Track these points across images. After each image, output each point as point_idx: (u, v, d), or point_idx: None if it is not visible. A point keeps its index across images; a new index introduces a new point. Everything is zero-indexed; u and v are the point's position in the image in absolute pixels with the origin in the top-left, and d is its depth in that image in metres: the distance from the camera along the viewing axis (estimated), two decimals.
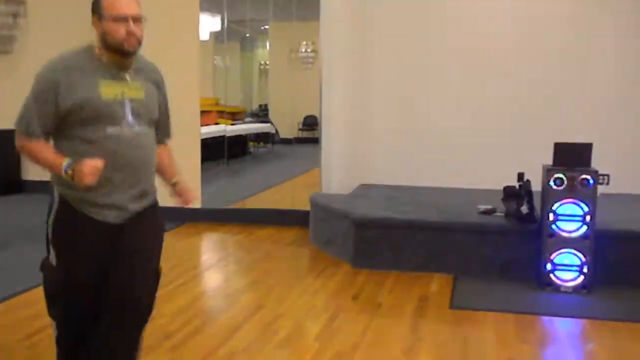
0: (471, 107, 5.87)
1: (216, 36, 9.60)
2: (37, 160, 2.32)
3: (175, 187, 2.62)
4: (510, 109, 5.77)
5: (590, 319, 3.75)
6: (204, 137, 6.49)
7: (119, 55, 2.27)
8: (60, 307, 2.40)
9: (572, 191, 4.09)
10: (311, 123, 8.66)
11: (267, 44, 10.07)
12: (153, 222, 2.51)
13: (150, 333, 3.50)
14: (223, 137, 8.84)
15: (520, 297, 4.10)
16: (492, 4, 5.80)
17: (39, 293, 4.12)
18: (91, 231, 2.31)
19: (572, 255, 4.13)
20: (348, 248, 4.79)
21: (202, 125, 6.40)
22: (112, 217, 2.32)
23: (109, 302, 2.33)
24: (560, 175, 4.10)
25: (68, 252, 2.34)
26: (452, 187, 5.79)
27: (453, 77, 5.90)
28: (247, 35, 10.39)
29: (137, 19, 2.25)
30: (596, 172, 4.07)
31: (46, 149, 2.29)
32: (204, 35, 6.75)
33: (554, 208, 4.13)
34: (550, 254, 4.17)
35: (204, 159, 6.41)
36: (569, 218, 4.12)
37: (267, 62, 9.94)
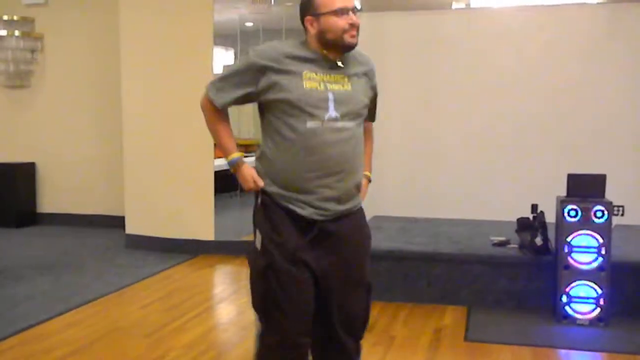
0: (484, 138, 5.87)
1: None
2: (213, 131, 2.38)
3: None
4: (524, 141, 5.77)
5: (607, 352, 3.70)
6: (217, 169, 6.52)
7: (339, 50, 2.25)
8: (263, 294, 2.33)
9: (587, 223, 4.07)
10: None
11: None
12: (359, 228, 2.43)
13: None
14: None
15: (536, 330, 4.05)
16: (504, 37, 5.84)
17: (52, 326, 4.15)
18: (290, 222, 2.27)
19: (588, 288, 4.09)
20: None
21: (215, 158, 6.44)
22: (312, 214, 2.27)
23: (327, 319, 2.36)
24: (574, 207, 4.08)
25: (268, 239, 2.29)
26: (465, 218, 5.76)
27: (466, 109, 5.92)
28: None
29: (355, 11, 2.25)
30: (610, 203, 4.05)
31: (226, 129, 2.36)
32: (218, 68, 6.83)
33: (568, 240, 4.10)
34: (566, 286, 4.12)
35: (217, 191, 6.44)
36: (584, 250, 4.09)
37: None
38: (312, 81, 2.22)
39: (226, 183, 7.55)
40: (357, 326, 2.44)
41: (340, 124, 2.24)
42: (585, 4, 5.86)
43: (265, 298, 2.32)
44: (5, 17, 7.57)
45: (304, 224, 2.28)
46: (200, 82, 6.12)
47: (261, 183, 2.30)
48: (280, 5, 8.22)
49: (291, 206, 2.27)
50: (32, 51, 7.72)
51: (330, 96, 2.23)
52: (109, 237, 6.89)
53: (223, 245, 6.21)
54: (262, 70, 2.23)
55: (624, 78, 5.60)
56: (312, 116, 2.21)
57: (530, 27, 5.80)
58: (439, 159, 5.98)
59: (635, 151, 5.59)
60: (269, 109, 2.28)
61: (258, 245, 2.31)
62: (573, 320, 4.12)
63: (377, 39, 6.06)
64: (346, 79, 2.30)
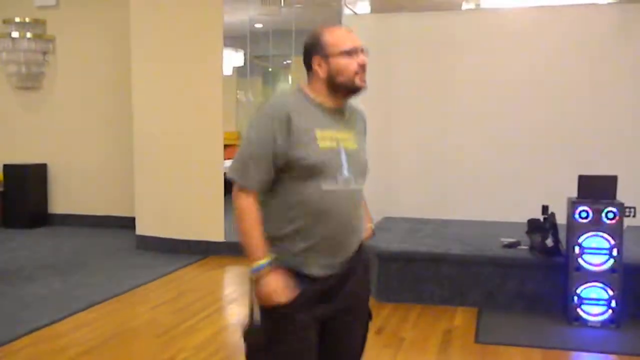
0: (494, 139, 5.85)
1: (239, 71, 9.73)
2: (242, 227, 2.08)
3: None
4: (534, 142, 5.74)
5: (619, 354, 3.68)
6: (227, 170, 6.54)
7: (347, 94, 2.10)
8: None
9: (598, 224, 4.05)
10: None
11: (289, 78, 10.18)
12: (361, 272, 2.24)
13: None
14: None
15: (547, 332, 4.04)
16: (514, 37, 5.82)
17: (63, 326, 4.17)
18: (297, 281, 2.07)
19: (600, 289, 4.07)
20: (371, 281, 4.76)
21: (225, 159, 6.46)
22: (318, 272, 2.09)
23: None
24: (586, 208, 4.06)
25: (273, 311, 2.07)
26: (475, 219, 5.75)
27: (475, 110, 5.90)
28: (270, 69, 10.53)
29: (365, 51, 2.09)
30: (622, 204, 4.03)
31: (257, 227, 2.07)
32: (228, 70, 6.85)
33: (579, 241, 4.08)
34: (577, 288, 4.10)
35: (228, 192, 6.45)
36: (595, 251, 4.07)
37: None
38: (326, 140, 2.06)
39: None
40: None
41: (352, 186, 2.10)
42: (595, 3, 5.83)
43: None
44: (17, 19, 7.62)
45: (308, 281, 2.09)
46: (211, 83, 6.21)
47: (283, 299, 2.04)
48: (289, 7, 8.24)
49: (295, 267, 2.09)
50: (44, 53, 7.78)
51: (343, 154, 2.08)
52: (119, 238, 6.92)
53: (233, 246, 6.21)
54: (276, 132, 2.03)
55: (636, 78, 5.57)
56: (327, 178, 2.05)
57: (540, 27, 5.77)
58: (449, 160, 5.97)
59: None
60: (278, 174, 2.08)
61: (258, 318, 2.11)
62: (584, 322, 4.10)
63: (386, 40, 6.06)
64: (352, 136, 2.15)
